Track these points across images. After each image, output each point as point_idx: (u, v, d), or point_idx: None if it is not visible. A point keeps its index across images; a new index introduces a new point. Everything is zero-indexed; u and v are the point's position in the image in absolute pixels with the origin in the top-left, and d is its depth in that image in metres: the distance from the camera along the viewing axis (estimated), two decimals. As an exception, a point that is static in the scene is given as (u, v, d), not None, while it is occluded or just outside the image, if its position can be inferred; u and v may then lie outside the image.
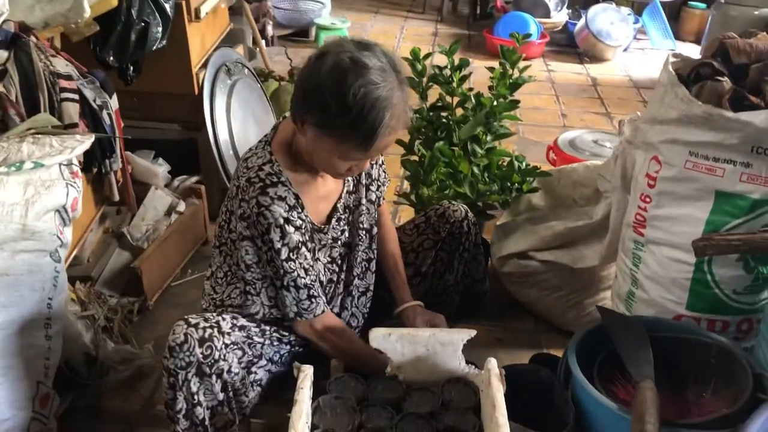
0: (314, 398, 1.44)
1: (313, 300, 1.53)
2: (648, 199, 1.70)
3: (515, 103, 2.08)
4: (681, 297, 1.69)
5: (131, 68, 2.40)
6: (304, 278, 1.50)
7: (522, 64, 2.26)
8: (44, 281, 1.67)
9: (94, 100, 2.09)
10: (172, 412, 1.38)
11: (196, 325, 1.39)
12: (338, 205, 1.63)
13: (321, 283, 1.60)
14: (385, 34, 5.44)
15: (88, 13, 2.08)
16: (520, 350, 2.14)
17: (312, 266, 1.53)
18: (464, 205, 1.89)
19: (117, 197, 2.29)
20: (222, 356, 1.40)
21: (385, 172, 1.82)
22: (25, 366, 1.61)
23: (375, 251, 1.77)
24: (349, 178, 1.65)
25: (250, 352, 1.51)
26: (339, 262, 1.67)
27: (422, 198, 2.12)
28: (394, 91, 1.40)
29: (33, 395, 1.63)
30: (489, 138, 2.07)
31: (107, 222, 2.45)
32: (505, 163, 2.15)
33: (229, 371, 1.42)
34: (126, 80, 2.41)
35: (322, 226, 1.59)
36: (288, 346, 1.62)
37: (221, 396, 1.41)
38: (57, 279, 1.72)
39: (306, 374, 1.41)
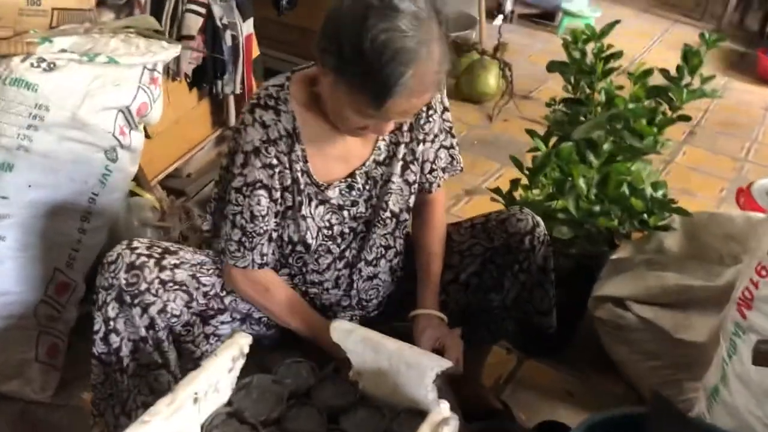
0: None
1: (242, 249, 1.34)
2: (764, 273, 1.22)
3: (653, 112, 1.63)
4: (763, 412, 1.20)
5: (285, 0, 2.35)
6: (246, 222, 1.32)
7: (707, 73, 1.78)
8: (88, 175, 1.69)
9: (221, 19, 2.07)
10: (91, 331, 1.30)
11: (133, 249, 1.28)
12: (357, 172, 1.40)
13: (306, 245, 1.39)
14: (639, 34, 4.84)
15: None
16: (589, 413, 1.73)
17: (263, 216, 1.33)
18: (536, 217, 1.52)
19: (233, 122, 2.28)
20: (152, 291, 1.27)
21: (452, 156, 1.54)
22: (45, 248, 1.65)
23: (399, 241, 1.51)
24: (381, 146, 1.41)
25: (203, 301, 1.36)
26: (347, 237, 1.44)
27: (514, 200, 1.77)
28: (425, 45, 1.14)
29: (47, 279, 1.67)
30: (606, 147, 1.65)
31: (225, 146, 2.46)
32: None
33: (163, 311, 1.30)
34: (278, 10, 2.37)
35: (322, 185, 1.37)
36: None
37: (143, 332, 1.30)
38: (107, 178, 1.74)
39: (235, 342, 1.23)
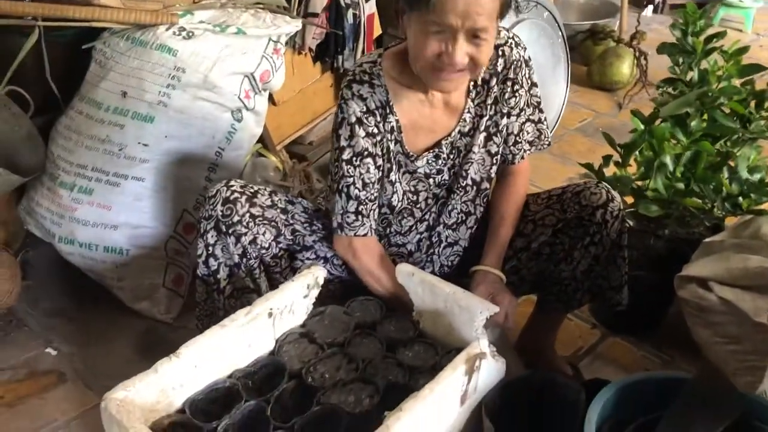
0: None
1: (360, 217, 1.47)
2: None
3: (744, 91, 1.58)
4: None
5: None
6: (360, 190, 1.45)
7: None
8: (216, 131, 1.94)
9: (345, -1, 2.26)
10: (196, 255, 1.51)
11: (230, 187, 1.48)
12: (443, 142, 1.50)
13: (391, 207, 1.53)
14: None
15: None
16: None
17: (373, 183, 1.46)
18: (612, 192, 1.54)
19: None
20: (243, 222, 1.45)
21: (539, 130, 1.60)
22: (175, 191, 1.91)
23: (480, 208, 1.60)
24: (467, 117, 1.50)
25: (290, 237, 1.54)
26: (429, 202, 1.55)
27: (604, 175, 1.79)
28: None
29: (177, 218, 1.94)
30: (695, 125, 1.62)
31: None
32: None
33: (253, 242, 1.48)
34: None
35: (413, 155, 1.49)
36: None
37: (237, 259, 1.49)
38: (232, 135, 1.97)
39: (311, 272, 1.40)
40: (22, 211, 1.96)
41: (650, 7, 4.56)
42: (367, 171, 1.45)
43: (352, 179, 1.45)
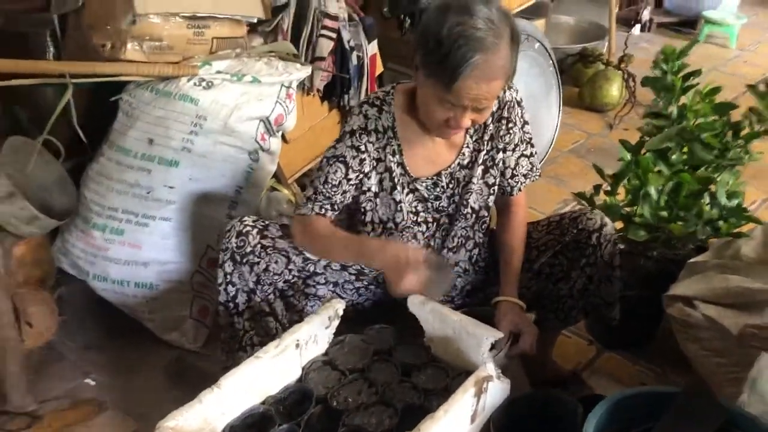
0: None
1: (309, 202, 1.61)
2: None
3: (719, 125, 1.74)
4: (792, 406, 1.33)
5: (408, 21, 2.65)
6: (320, 184, 1.60)
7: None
8: (235, 171, 2.09)
9: (348, 42, 2.42)
10: (216, 283, 1.67)
11: (243, 221, 1.64)
12: (443, 173, 1.66)
13: (396, 224, 1.65)
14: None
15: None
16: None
17: (336, 185, 1.59)
18: (605, 218, 1.70)
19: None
20: (255, 252, 1.62)
21: (532, 164, 1.76)
22: (199, 229, 2.06)
23: (479, 234, 1.75)
24: (465, 151, 1.66)
25: (301, 265, 1.69)
26: (432, 227, 1.71)
27: (594, 203, 1.95)
28: (493, 39, 1.39)
29: (201, 254, 2.09)
30: (675, 157, 1.78)
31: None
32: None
33: (266, 270, 1.64)
34: (401, 31, 2.68)
35: (414, 178, 1.65)
36: (363, 283, 1.76)
37: (252, 285, 1.64)
38: (250, 174, 2.13)
39: (332, 305, 1.55)
40: (57, 252, 2.11)
41: (638, 26, 4.73)
42: (335, 172, 1.61)
43: (321, 173, 1.62)
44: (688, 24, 4.81)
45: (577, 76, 3.80)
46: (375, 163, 1.63)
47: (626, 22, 4.73)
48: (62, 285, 2.14)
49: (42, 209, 1.95)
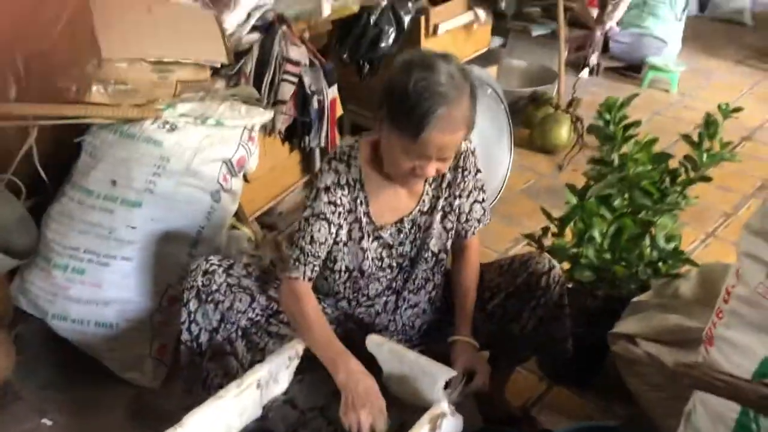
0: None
1: (298, 264, 1.66)
2: (720, 315, 1.46)
3: (656, 174, 1.87)
4: (723, 437, 1.43)
5: (367, 66, 2.76)
6: (306, 243, 1.66)
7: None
8: (197, 212, 2.14)
9: (310, 86, 2.50)
10: (179, 321, 1.72)
11: (209, 260, 1.71)
12: (405, 219, 1.75)
13: (362, 272, 1.73)
14: (726, 87, 4.91)
15: (325, 14, 2.50)
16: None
17: (321, 243, 1.66)
18: (553, 261, 1.80)
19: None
20: (221, 291, 1.67)
21: (484, 209, 1.85)
22: (160, 268, 2.09)
23: (438, 276, 1.84)
24: (425, 199, 1.75)
25: (264, 303, 1.74)
26: (394, 269, 1.78)
27: (543, 244, 2.06)
28: (455, 93, 1.49)
29: (161, 292, 2.11)
30: (617, 203, 1.90)
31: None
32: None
33: (230, 308, 1.69)
34: (360, 76, 2.78)
35: (379, 227, 1.73)
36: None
37: (215, 324, 1.69)
38: (211, 215, 2.18)
39: (293, 345, 1.61)
40: (16, 290, 2.11)
41: (586, 71, 4.94)
42: (318, 230, 1.67)
43: (303, 233, 1.67)
44: (633, 69, 5.03)
45: (528, 118, 3.95)
46: (347, 215, 1.70)
47: (575, 66, 4.94)
48: (19, 324, 2.14)
49: (2, 249, 1.96)
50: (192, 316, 1.69)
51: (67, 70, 2.03)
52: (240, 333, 1.73)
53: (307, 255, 1.67)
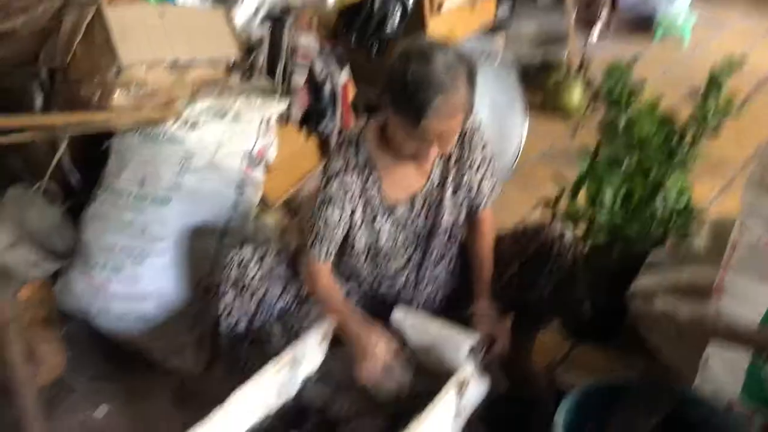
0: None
1: (314, 246, 1.76)
2: (727, 266, 1.53)
3: (664, 136, 1.92)
4: (736, 383, 1.50)
5: (376, 47, 2.81)
6: (320, 228, 1.75)
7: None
8: (223, 205, 2.23)
9: (321, 72, 2.58)
10: (217, 311, 1.82)
11: (242, 251, 1.81)
12: (417, 197, 1.82)
13: (378, 249, 1.82)
14: (740, 34, 4.86)
15: (330, 4, 2.56)
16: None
17: (334, 228, 1.75)
18: (564, 228, 1.87)
19: (335, 154, 2.77)
20: (255, 280, 1.77)
21: (494, 182, 1.91)
22: (192, 260, 2.19)
23: (454, 249, 1.91)
24: (435, 173, 1.82)
25: (297, 289, 1.85)
26: (409, 246, 1.87)
27: (557, 209, 2.12)
28: (452, 81, 1.55)
29: (196, 283, 2.22)
30: (626, 165, 1.96)
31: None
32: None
33: (265, 296, 1.79)
34: (370, 57, 2.84)
35: (391, 204, 1.81)
36: (353, 300, 1.91)
37: (252, 312, 1.80)
38: (237, 206, 2.27)
39: (323, 325, 1.70)
40: (59, 292, 2.23)
41: (596, 30, 4.92)
42: (331, 215, 1.76)
43: (317, 218, 1.76)
44: (643, 25, 4.99)
45: (540, 84, 3.97)
46: (358, 198, 1.78)
47: (586, 25, 4.91)
48: (67, 322, 2.27)
49: (44, 253, 2.08)
50: (229, 305, 1.79)
51: (89, 78, 2.12)
52: (275, 319, 1.83)
53: (322, 238, 1.76)
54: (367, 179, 1.77)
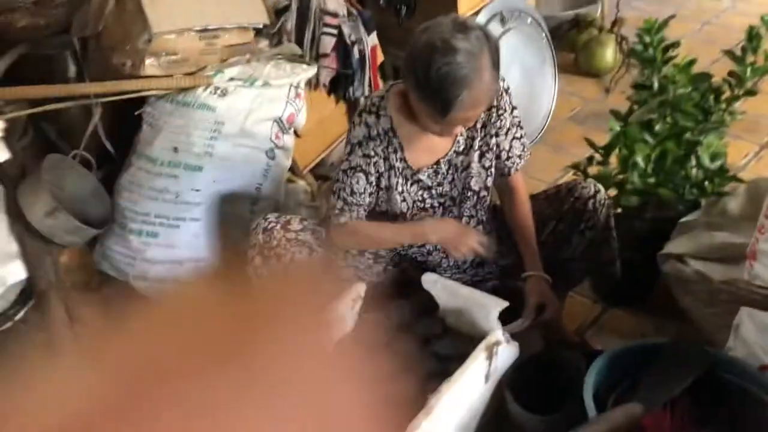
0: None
1: (342, 211, 1.79)
2: (762, 230, 1.51)
3: (700, 95, 1.88)
4: (768, 347, 1.49)
5: (404, 9, 2.78)
6: (348, 195, 1.78)
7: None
8: (254, 170, 2.26)
9: (349, 37, 2.56)
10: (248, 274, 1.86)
11: (267, 219, 1.84)
12: (442, 161, 1.82)
13: (402, 214, 1.84)
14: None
15: (358, -36, 2.52)
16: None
17: (361, 194, 1.77)
18: (598, 185, 1.86)
19: (365, 118, 2.77)
20: (281, 245, 1.80)
21: (523, 144, 1.90)
22: (226, 226, 2.24)
23: (481, 212, 1.91)
24: (460, 139, 1.82)
25: (323, 254, 1.86)
26: (440, 211, 1.87)
27: (588, 173, 2.10)
28: (476, 73, 1.54)
29: (230, 248, 2.27)
30: (659, 127, 1.92)
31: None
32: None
33: (292, 260, 1.82)
34: (399, 20, 2.81)
35: (416, 170, 1.81)
36: (381, 265, 1.94)
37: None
38: (268, 172, 2.30)
39: (355, 288, 1.73)
40: (98, 256, 2.30)
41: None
42: (357, 182, 1.78)
43: (343, 185, 1.79)
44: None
45: (572, 42, 3.90)
46: (382, 164, 1.79)
47: (619, -18, 4.79)
48: (106, 287, 2.34)
49: (81, 219, 2.13)
50: (258, 270, 1.83)
51: (121, 46, 2.14)
52: None
53: (351, 204, 1.79)
54: (390, 145, 1.78)
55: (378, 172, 1.79)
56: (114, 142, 2.32)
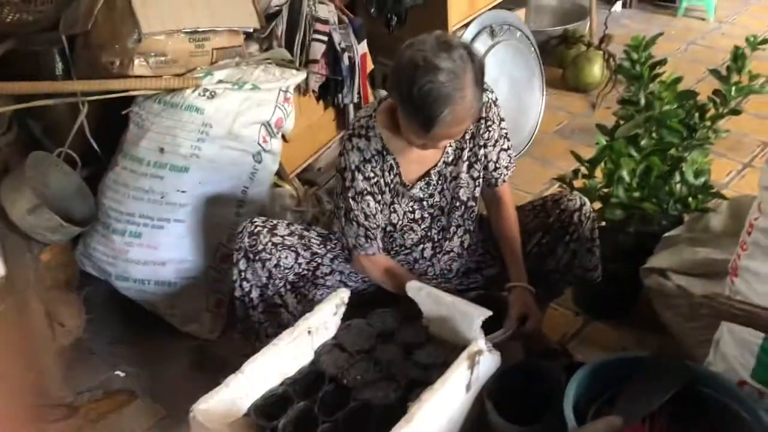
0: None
1: (369, 240, 1.80)
2: (744, 247, 1.53)
3: (685, 112, 1.90)
4: (748, 362, 1.51)
5: (395, 19, 2.79)
6: (364, 220, 1.78)
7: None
8: (241, 173, 2.25)
9: (339, 44, 2.57)
10: (231, 280, 1.86)
11: (253, 222, 1.83)
12: (432, 172, 1.83)
13: (393, 225, 1.85)
14: (765, 8, 4.77)
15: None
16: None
17: (374, 215, 1.78)
18: (583, 198, 1.88)
19: (352, 125, 2.77)
20: (266, 250, 1.80)
21: (510, 156, 1.92)
22: (211, 228, 2.22)
23: (469, 222, 1.92)
24: (449, 150, 1.82)
25: (309, 258, 1.88)
26: (429, 221, 1.88)
27: (573, 186, 2.11)
28: (459, 92, 1.54)
29: (214, 251, 2.25)
30: (644, 142, 1.94)
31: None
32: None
33: (277, 265, 1.82)
34: (389, 30, 2.82)
35: (408, 184, 1.82)
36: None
37: (264, 280, 1.82)
38: (255, 175, 2.29)
39: (338, 294, 1.73)
40: (80, 255, 2.27)
41: (619, 3, 4.85)
42: (368, 206, 1.78)
43: (357, 212, 1.79)
44: (669, -1, 4.92)
45: (560, 58, 3.93)
46: (383, 182, 1.80)
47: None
48: (86, 286, 2.31)
49: (64, 218, 2.11)
50: (242, 274, 1.82)
51: (110, 45, 2.13)
52: (289, 287, 1.86)
53: (369, 230, 1.80)
54: (385, 165, 1.79)
55: (381, 191, 1.80)
56: (100, 141, 2.30)
